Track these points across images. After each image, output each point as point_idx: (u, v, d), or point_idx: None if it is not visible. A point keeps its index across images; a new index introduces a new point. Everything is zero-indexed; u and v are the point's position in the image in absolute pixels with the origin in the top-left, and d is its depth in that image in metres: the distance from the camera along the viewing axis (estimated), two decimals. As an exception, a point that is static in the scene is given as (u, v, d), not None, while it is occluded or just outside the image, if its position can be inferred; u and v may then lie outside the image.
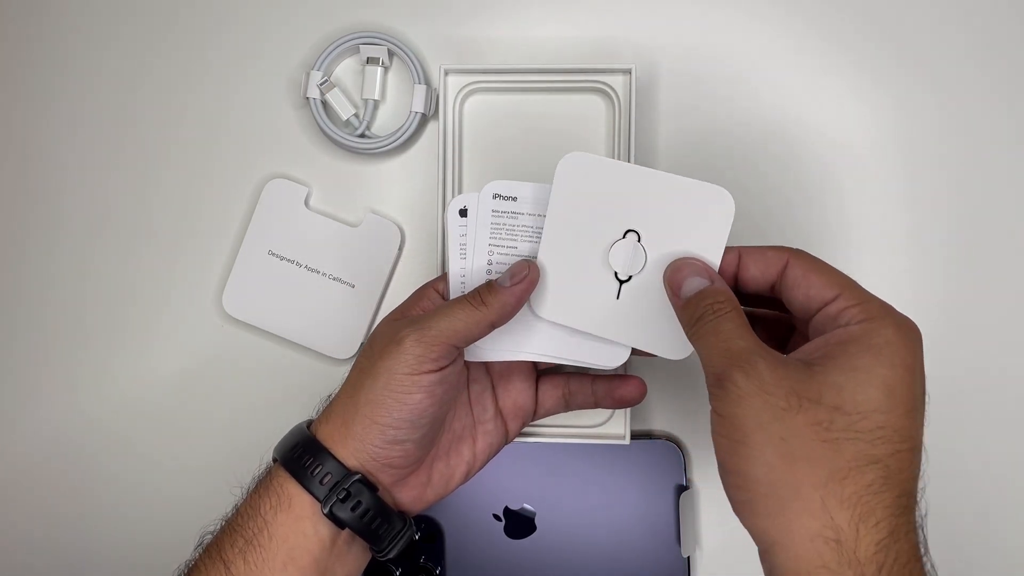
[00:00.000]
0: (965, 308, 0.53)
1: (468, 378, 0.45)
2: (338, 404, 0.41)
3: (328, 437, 0.41)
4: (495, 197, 0.42)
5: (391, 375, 0.39)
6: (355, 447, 0.40)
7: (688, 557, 0.51)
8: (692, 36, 0.54)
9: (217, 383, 0.55)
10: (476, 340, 0.40)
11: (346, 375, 0.42)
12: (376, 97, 0.53)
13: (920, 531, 0.32)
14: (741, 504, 0.33)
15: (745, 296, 0.39)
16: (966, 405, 0.53)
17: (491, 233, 0.42)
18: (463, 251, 0.43)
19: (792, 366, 0.33)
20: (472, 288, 0.41)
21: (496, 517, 0.52)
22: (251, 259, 0.54)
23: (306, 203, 0.54)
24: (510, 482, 0.52)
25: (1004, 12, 0.53)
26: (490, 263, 0.42)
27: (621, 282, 0.40)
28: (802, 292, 0.36)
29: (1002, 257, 0.53)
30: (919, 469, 0.33)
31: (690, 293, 0.37)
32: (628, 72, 0.50)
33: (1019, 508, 0.52)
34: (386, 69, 0.54)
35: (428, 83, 0.53)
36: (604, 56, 0.53)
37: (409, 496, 0.42)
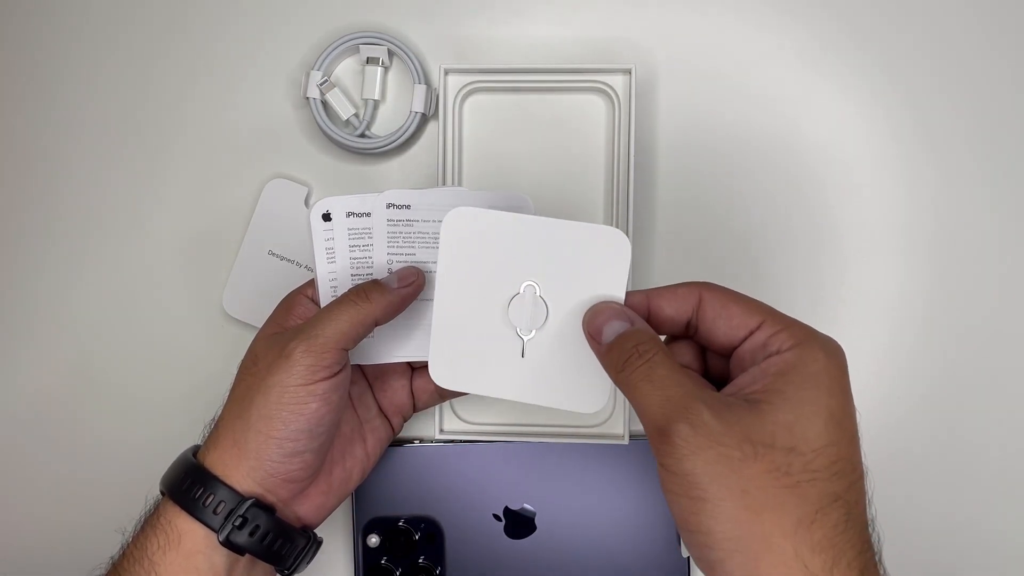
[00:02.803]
0: (961, 311, 0.53)
1: None
2: (225, 426, 0.40)
3: (218, 462, 0.39)
4: (389, 207, 0.42)
5: (283, 388, 0.38)
6: (250, 466, 0.39)
7: (688, 557, 0.51)
8: (692, 36, 0.54)
9: (217, 383, 0.55)
10: (362, 339, 0.40)
11: (226, 397, 0.41)
12: (376, 97, 0.53)
13: (877, 556, 0.32)
14: (711, 564, 0.31)
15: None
16: (959, 407, 0.53)
17: (388, 241, 0.42)
18: (330, 255, 0.43)
19: (737, 409, 0.31)
20: (346, 289, 0.41)
21: (496, 517, 0.52)
22: (251, 259, 0.54)
23: (306, 203, 0.54)
24: (510, 482, 0.52)
25: (1004, 17, 0.53)
26: (390, 272, 0.42)
27: (524, 339, 0.38)
28: (723, 324, 0.35)
29: (1000, 261, 0.53)
30: (867, 496, 0.32)
31: (611, 337, 0.35)
32: (628, 72, 0.50)
33: None
34: (386, 69, 0.54)
35: (428, 83, 0.53)
36: (604, 56, 0.53)
37: (311, 507, 0.42)
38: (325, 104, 0.53)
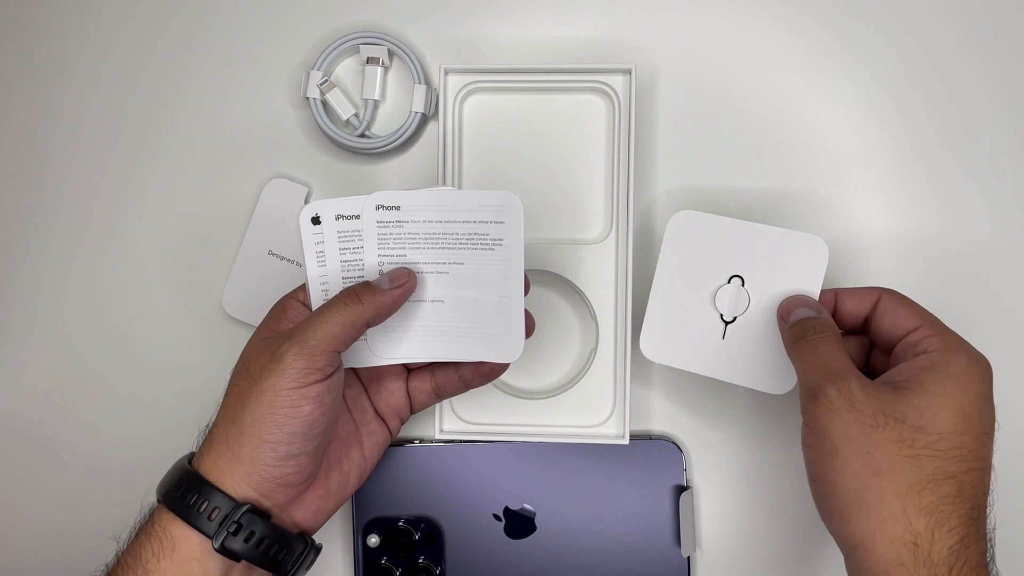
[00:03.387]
0: (964, 307, 0.53)
1: None
2: (219, 432, 0.40)
3: (213, 468, 0.39)
4: (378, 208, 0.42)
5: (276, 392, 0.38)
6: (246, 471, 0.39)
7: (688, 557, 0.51)
8: (692, 36, 0.54)
9: (217, 384, 0.55)
10: (354, 341, 0.40)
11: (220, 403, 0.41)
12: (376, 97, 0.53)
13: (988, 542, 0.36)
14: (830, 511, 0.36)
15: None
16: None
17: (379, 243, 0.42)
18: (320, 258, 0.42)
19: (881, 388, 0.37)
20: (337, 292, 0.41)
21: (496, 517, 0.52)
22: (251, 259, 0.54)
23: (306, 203, 0.54)
24: (510, 482, 0.52)
25: (1008, 12, 0.53)
26: (381, 273, 0.42)
27: (727, 323, 0.44)
28: (889, 322, 0.40)
29: (1001, 253, 0.53)
30: (988, 487, 0.36)
31: (798, 317, 0.41)
32: (628, 72, 0.50)
33: None
34: (386, 69, 0.54)
35: (428, 83, 0.53)
36: (604, 56, 0.53)
37: (309, 512, 0.42)
38: (325, 104, 0.53)
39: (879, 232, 0.53)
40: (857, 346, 0.44)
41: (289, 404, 0.38)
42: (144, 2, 0.56)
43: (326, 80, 0.53)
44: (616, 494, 0.51)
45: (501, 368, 0.45)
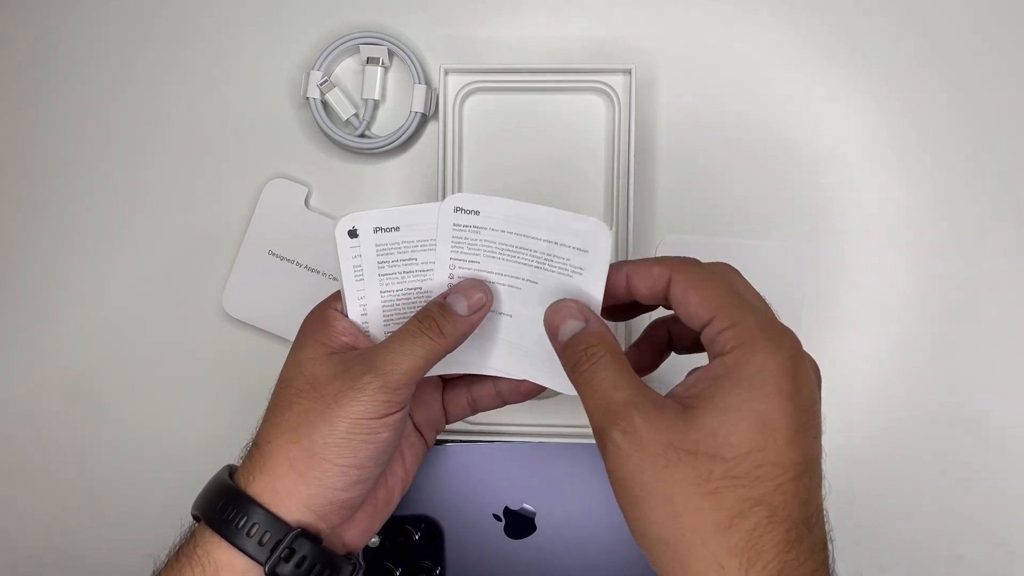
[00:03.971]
0: (962, 306, 0.53)
1: None
2: (278, 452, 0.38)
3: (267, 488, 0.37)
4: (456, 211, 0.40)
5: (356, 421, 0.37)
6: (310, 494, 0.37)
7: (688, 557, 0.51)
8: (692, 36, 0.54)
9: (217, 383, 0.55)
10: (431, 368, 0.39)
11: (268, 417, 0.39)
12: (376, 97, 0.53)
13: (827, 550, 0.32)
14: (652, 561, 0.33)
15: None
16: (968, 405, 0.53)
17: (452, 246, 0.40)
18: (358, 272, 0.41)
19: (668, 415, 0.32)
20: (386, 309, 0.40)
21: (496, 517, 0.52)
22: (251, 259, 0.54)
23: (306, 203, 0.54)
24: (510, 482, 0.52)
25: (1010, 14, 0.53)
26: (451, 276, 0.40)
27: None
28: (683, 312, 0.35)
29: (1001, 256, 0.53)
30: (810, 492, 0.32)
31: (566, 337, 0.36)
32: (628, 72, 0.50)
33: None
34: (386, 69, 0.54)
35: (428, 83, 0.53)
36: (604, 56, 0.53)
37: (358, 531, 0.41)
38: (325, 104, 0.53)
39: (879, 231, 0.53)
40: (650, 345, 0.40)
41: (369, 432, 0.37)
42: (144, 2, 0.55)
43: (326, 80, 0.53)
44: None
45: (540, 388, 0.43)
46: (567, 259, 0.39)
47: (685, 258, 0.36)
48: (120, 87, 0.55)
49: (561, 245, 0.39)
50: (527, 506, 0.52)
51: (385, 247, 0.40)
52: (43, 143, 0.56)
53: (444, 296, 0.39)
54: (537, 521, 0.52)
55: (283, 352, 0.54)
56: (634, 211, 0.50)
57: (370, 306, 0.41)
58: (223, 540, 0.37)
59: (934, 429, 0.53)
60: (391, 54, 0.54)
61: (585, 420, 0.51)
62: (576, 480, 0.52)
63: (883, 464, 0.53)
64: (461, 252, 0.40)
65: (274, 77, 0.55)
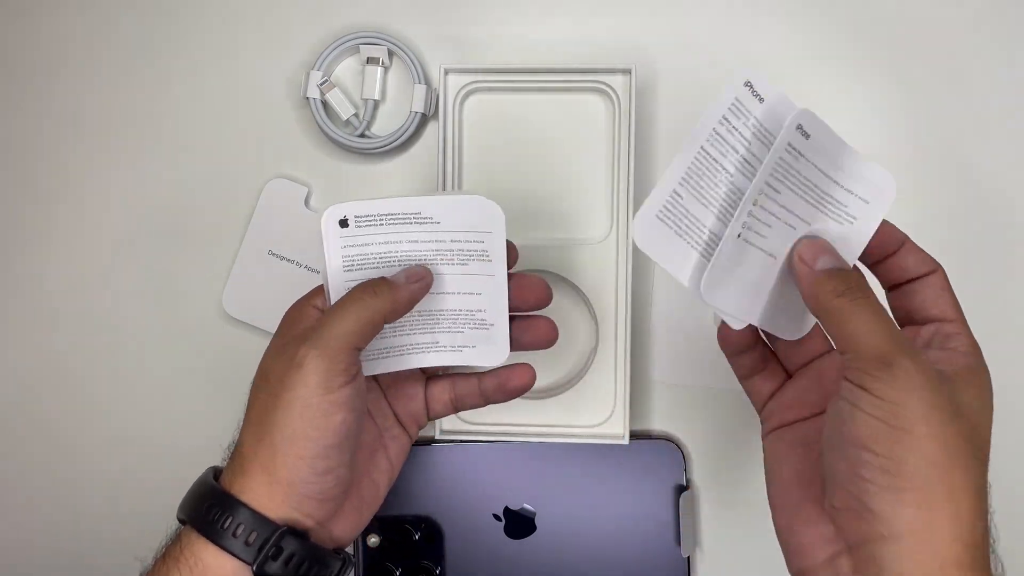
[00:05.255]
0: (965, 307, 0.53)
1: None
2: (249, 452, 0.38)
3: (247, 489, 0.37)
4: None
5: (304, 403, 0.36)
6: (285, 491, 0.37)
7: (688, 557, 0.51)
8: (692, 36, 0.54)
9: (217, 383, 0.55)
10: (372, 338, 0.38)
11: (242, 419, 0.39)
12: (376, 97, 0.53)
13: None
14: (882, 488, 0.32)
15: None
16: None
17: (772, 171, 0.36)
18: (348, 263, 0.40)
19: (940, 372, 0.34)
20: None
21: (496, 517, 0.52)
22: (251, 259, 0.54)
23: (306, 203, 0.54)
24: (510, 482, 0.52)
25: (1011, 15, 0.53)
26: (756, 203, 0.37)
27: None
28: (931, 300, 0.38)
29: (1006, 257, 0.53)
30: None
31: (830, 267, 0.36)
32: (628, 72, 0.50)
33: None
34: (386, 69, 0.54)
35: (428, 83, 0.53)
36: (604, 56, 0.53)
37: (347, 525, 0.41)
38: (325, 104, 0.53)
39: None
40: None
41: (320, 415, 0.36)
42: (144, 2, 0.55)
43: (326, 80, 0.53)
44: (616, 494, 0.51)
45: (524, 387, 0.44)
46: (845, 204, 0.38)
47: (942, 267, 0.39)
48: (119, 87, 0.55)
49: (841, 188, 0.38)
50: (527, 506, 0.52)
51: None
52: (42, 144, 0.56)
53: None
54: (537, 521, 0.52)
55: (283, 352, 0.54)
56: (634, 211, 0.50)
57: None
58: (209, 542, 0.37)
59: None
60: (391, 54, 0.54)
61: (585, 420, 0.51)
62: (576, 480, 0.52)
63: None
64: (772, 183, 0.35)
65: (274, 77, 0.55)
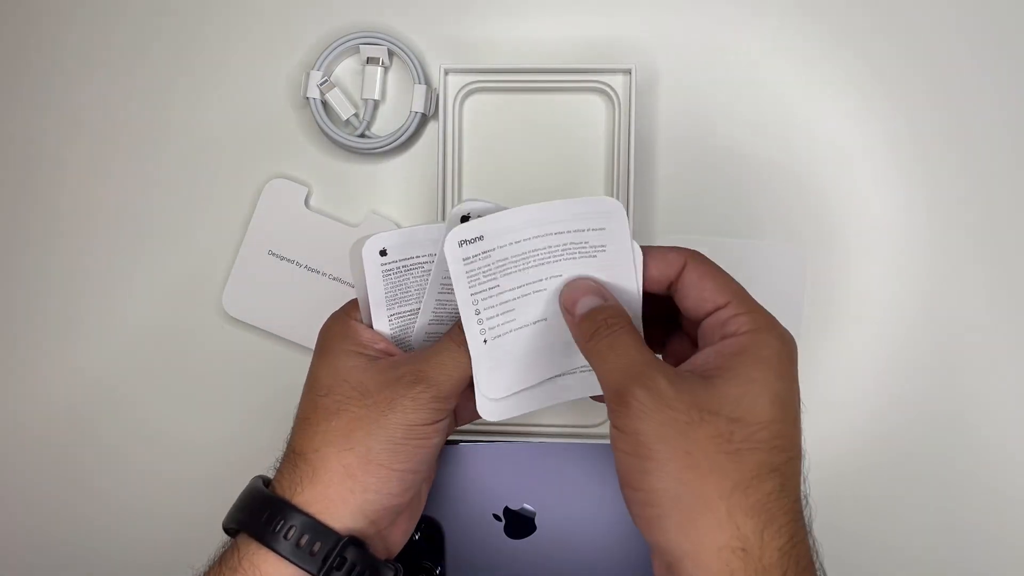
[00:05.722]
0: (963, 308, 0.53)
1: None
2: (330, 460, 0.38)
3: (320, 497, 0.37)
4: (461, 244, 0.38)
5: (410, 427, 0.38)
6: (366, 499, 0.38)
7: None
8: (692, 36, 0.54)
9: (217, 383, 0.55)
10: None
11: (306, 428, 0.38)
12: (376, 97, 0.53)
13: (810, 535, 0.34)
14: (649, 520, 0.33)
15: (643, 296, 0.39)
16: (964, 407, 0.53)
17: (468, 282, 0.38)
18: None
19: (690, 380, 0.34)
20: (421, 319, 0.41)
21: (496, 517, 0.52)
22: (251, 259, 0.54)
23: (306, 203, 0.54)
24: (510, 482, 0.52)
25: (1009, 12, 0.53)
26: (478, 312, 0.39)
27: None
28: (696, 294, 0.37)
29: (1004, 255, 0.53)
30: (802, 474, 0.34)
31: (585, 310, 0.37)
32: (628, 72, 0.50)
33: None
34: (386, 69, 0.54)
35: (428, 83, 0.53)
36: (604, 56, 0.53)
37: (400, 532, 0.42)
38: (325, 104, 0.53)
39: (879, 229, 0.53)
40: (660, 334, 0.41)
41: (423, 436, 0.38)
42: (144, 2, 0.55)
43: (326, 80, 0.53)
44: (616, 494, 0.51)
45: None
46: (585, 242, 0.39)
47: (694, 250, 0.38)
48: (119, 88, 0.55)
49: (574, 232, 0.38)
50: (527, 506, 0.52)
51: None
52: (41, 143, 0.56)
53: None
54: (537, 521, 0.52)
55: (283, 352, 0.54)
56: (634, 211, 0.50)
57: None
58: (271, 552, 0.37)
59: (931, 430, 0.53)
60: (391, 54, 0.54)
61: (585, 420, 0.51)
62: (576, 480, 0.52)
63: (880, 466, 0.53)
64: (478, 284, 0.38)
65: (274, 77, 0.55)
